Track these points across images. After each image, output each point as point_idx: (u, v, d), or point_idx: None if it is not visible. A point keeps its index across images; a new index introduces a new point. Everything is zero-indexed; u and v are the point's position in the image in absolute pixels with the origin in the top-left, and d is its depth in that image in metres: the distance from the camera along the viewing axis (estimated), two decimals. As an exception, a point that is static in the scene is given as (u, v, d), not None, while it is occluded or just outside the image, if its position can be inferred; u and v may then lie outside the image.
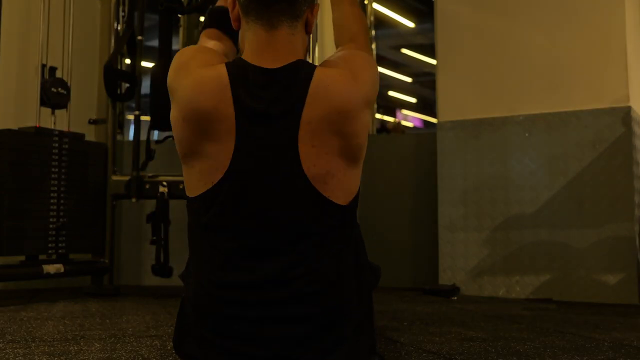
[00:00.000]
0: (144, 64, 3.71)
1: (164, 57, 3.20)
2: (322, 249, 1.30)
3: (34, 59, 3.25)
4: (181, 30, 3.83)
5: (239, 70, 1.30)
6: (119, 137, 3.77)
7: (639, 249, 3.07)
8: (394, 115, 11.46)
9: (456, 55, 3.62)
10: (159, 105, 3.06)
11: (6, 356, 1.64)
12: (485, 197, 3.43)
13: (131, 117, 3.63)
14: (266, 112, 1.27)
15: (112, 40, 3.58)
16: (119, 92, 3.43)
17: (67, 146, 3.11)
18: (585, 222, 3.16)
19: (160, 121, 3.13)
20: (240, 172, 1.27)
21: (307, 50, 1.46)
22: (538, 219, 3.28)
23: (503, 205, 3.38)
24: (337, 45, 1.58)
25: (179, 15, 3.62)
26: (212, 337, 1.31)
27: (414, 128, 11.83)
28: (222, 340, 1.29)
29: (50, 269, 2.92)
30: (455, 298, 3.29)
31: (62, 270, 2.97)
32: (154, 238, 3.15)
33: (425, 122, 11.73)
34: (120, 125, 3.94)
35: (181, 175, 1.38)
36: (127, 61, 3.63)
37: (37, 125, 3.02)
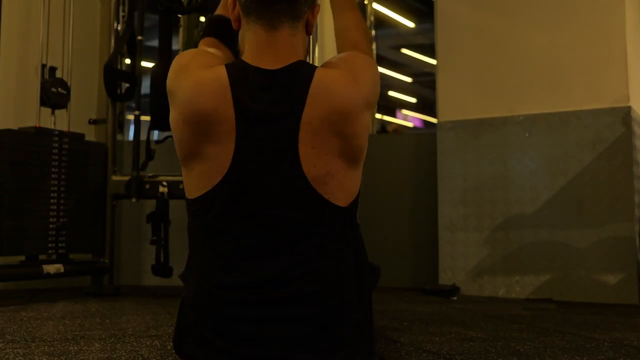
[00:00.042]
0: (144, 64, 3.71)
1: (164, 57, 3.20)
2: (322, 249, 1.30)
3: (34, 59, 3.25)
4: (181, 30, 3.83)
5: (238, 72, 1.30)
6: (119, 137, 3.77)
7: (639, 249, 3.07)
8: (394, 115, 11.46)
9: (456, 55, 3.62)
10: (159, 105, 3.06)
11: (6, 356, 1.64)
12: (485, 197, 3.43)
13: (131, 117, 3.63)
14: (266, 113, 1.27)
15: (112, 40, 3.58)
16: (119, 92, 3.44)
17: (67, 146, 3.11)
18: (585, 222, 3.16)
19: (160, 121, 3.13)
20: (241, 174, 1.27)
21: (307, 50, 1.46)
22: (538, 219, 3.28)
23: (503, 205, 3.38)
24: (339, 53, 1.58)
25: (179, 15, 3.62)
26: (212, 337, 1.31)
27: (414, 128, 11.82)
28: (222, 340, 1.29)
29: (50, 269, 2.92)
30: (455, 298, 3.29)
31: (62, 270, 2.97)
32: (154, 238, 3.15)
33: (425, 122, 11.73)
34: (120, 125, 3.94)
35: (181, 175, 1.38)
36: (127, 61, 3.63)
37: (37, 125, 3.02)
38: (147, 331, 2.08)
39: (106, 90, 3.35)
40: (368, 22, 5.05)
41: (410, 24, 9.43)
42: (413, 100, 11.90)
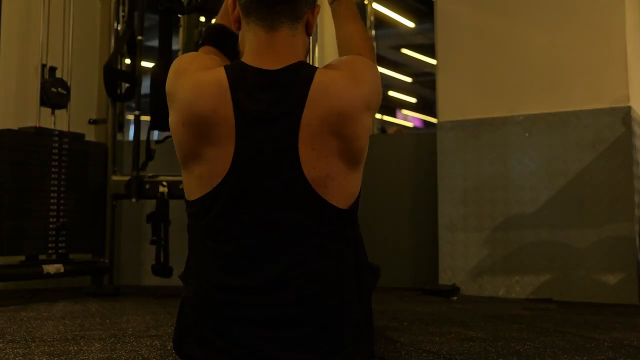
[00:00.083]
0: (144, 64, 3.71)
1: (164, 57, 3.20)
2: (322, 249, 1.30)
3: (34, 59, 3.25)
4: (181, 30, 3.83)
5: (238, 74, 1.30)
6: (119, 137, 3.77)
7: (639, 249, 3.07)
8: (394, 115, 11.45)
9: (456, 55, 3.62)
10: (159, 105, 3.06)
11: (6, 356, 1.64)
12: (485, 197, 3.43)
13: (131, 117, 3.63)
14: (266, 112, 1.27)
15: (112, 40, 3.58)
16: (119, 92, 3.44)
17: (67, 146, 3.11)
18: (585, 222, 3.16)
19: (160, 121, 3.13)
20: (240, 175, 1.27)
21: (308, 51, 1.46)
22: (538, 219, 3.28)
23: (503, 205, 3.38)
24: None
25: (179, 15, 3.62)
26: (212, 337, 1.31)
27: (414, 128, 11.82)
28: (222, 340, 1.30)
29: (50, 269, 2.92)
30: (455, 298, 3.29)
31: (62, 270, 2.97)
32: (154, 238, 3.15)
33: (425, 122, 11.72)
34: (120, 125, 3.94)
35: (181, 176, 1.38)
36: (127, 61, 3.63)
37: (37, 125, 3.02)
38: (147, 331, 2.08)
39: (106, 90, 3.35)
40: (368, 22, 5.05)
41: (410, 24, 9.42)
42: (413, 100, 11.89)
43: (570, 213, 3.21)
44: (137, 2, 3.50)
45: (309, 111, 1.26)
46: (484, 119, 3.48)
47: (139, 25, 3.52)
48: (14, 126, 2.99)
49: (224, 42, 1.55)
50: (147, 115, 3.29)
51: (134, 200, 3.30)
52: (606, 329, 2.23)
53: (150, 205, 3.39)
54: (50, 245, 3.00)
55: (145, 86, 3.32)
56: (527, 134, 3.37)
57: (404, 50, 10.58)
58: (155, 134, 3.60)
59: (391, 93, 11.02)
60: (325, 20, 3.71)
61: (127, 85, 3.43)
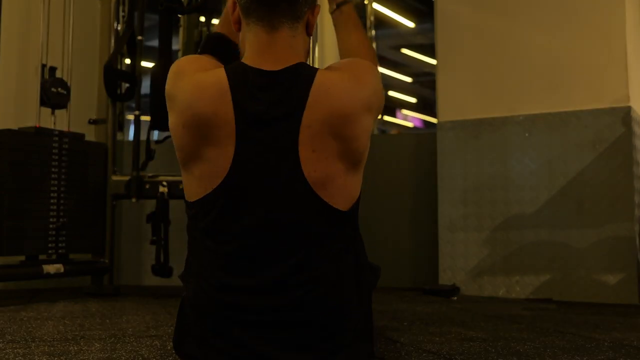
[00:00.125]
0: (144, 64, 3.71)
1: (164, 57, 3.20)
2: (322, 250, 1.30)
3: (34, 59, 3.25)
4: (181, 30, 3.82)
5: (238, 75, 1.30)
6: (119, 137, 3.77)
7: (639, 249, 3.07)
8: (394, 115, 11.45)
9: (456, 55, 3.62)
10: (158, 105, 3.06)
11: (6, 356, 1.64)
12: (485, 197, 3.43)
13: (131, 117, 3.62)
14: (265, 113, 1.27)
15: (112, 40, 3.58)
16: (119, 92, 3.43)
17: (67, 146, 3.11)
18: (585, 222, 3.16)
19: (160, 121, 3.13)
20: (241, 176, 1.27)
21: (308, 51, 1.45)
22: (538, 219, 3.28)
23: (503, 205, 3.38)
24: None
25: (179, 15, 3.61)
26: (212, 337, 1.31)
27: (414, 128, 11.82)
28: (222, 340, 1.30)
29: (50, 269, 2.92)
30: (455, 298, 3.29)
31: (62, 270, 2.97)
32: (154, 238, 3.15)
33: (425, 122, 11.72)
34: (120, 125, 3.94)
35: (181, 176, 1.38)
36: (127, 61, 3.63)
37: (37, 125, 3.02)
38: (147, 331, 2.08)
39: (106, 90, 3.35)
40: (368, 22, 5.04)
41: (410, 24, 9.42)
42: (413, 100, 11.89)
43: (570, 213, 3.21)
44: (137, 2, 3.50)
45: (309, 112, 1.26)
46: (484, 119, 3.48)
47: (139, 25, 3.52)
48: (14, 126, 2.99)
49: (222, 50, 1.55)
50: (147, 115, 3.29)
51: (134, 200, 3.30)
52: (606, 329, 2.23)
53: (150, 205, 3.39)
54: (50, 245, 3.00)
55: (145, 86, 3.32)
56: (527, 134, 3.37)
57: (404, 50, 10.58)
58: (155, 134, 3.60)
59: (391, 93, 11.02)
60: (325, 21, 3.71)
61: (127, 85, 3.43)
